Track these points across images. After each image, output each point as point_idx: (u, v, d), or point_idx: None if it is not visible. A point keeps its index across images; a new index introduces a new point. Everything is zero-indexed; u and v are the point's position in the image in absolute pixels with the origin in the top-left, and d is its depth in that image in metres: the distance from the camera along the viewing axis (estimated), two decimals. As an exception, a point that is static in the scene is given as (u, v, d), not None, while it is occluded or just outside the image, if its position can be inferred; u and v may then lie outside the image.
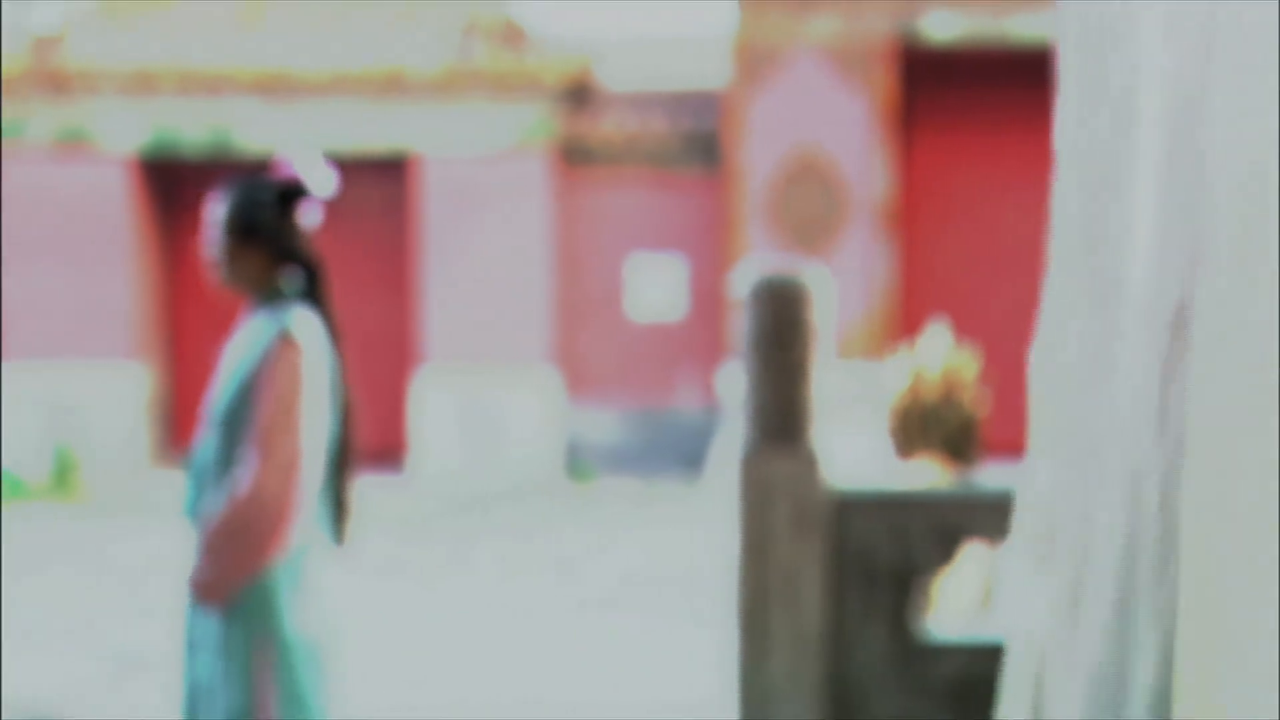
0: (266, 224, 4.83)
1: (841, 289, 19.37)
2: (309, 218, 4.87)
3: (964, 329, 17.95)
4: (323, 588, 4.81)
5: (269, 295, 4.85)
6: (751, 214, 19.44)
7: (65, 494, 19.17)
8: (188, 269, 20.74)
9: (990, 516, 5.18)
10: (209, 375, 20.71)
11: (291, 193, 4.85)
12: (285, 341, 4.71)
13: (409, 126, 19.75)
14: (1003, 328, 18.92)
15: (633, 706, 9.23)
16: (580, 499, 18.72)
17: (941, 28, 19.23)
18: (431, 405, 19.55)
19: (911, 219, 20.09)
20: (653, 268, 20.03)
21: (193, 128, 19.87)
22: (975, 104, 20.13)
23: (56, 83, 19.80)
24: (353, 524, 4.88)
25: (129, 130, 19.89)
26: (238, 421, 4.70)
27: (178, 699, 4.88)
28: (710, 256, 19.98)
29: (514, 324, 19.69)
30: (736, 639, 5.19)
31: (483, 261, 19.65)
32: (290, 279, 4.87)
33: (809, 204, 19.44)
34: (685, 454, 19.81)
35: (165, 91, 19.79)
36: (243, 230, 4.83)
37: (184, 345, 20.78)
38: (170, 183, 20.59)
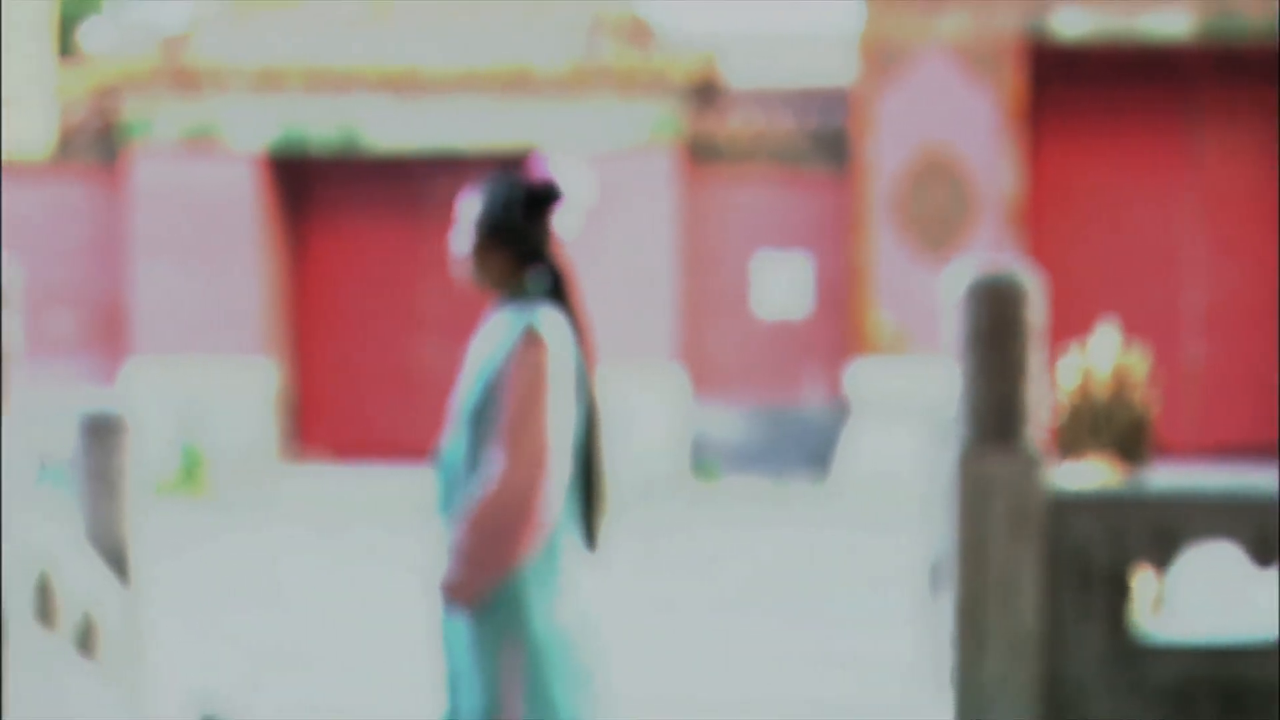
0: (516, 224, 4.80)
1: (969, 288, 19.25)
2: (561, 220, 4.84)
3: (1092, 329, 17.81)
4: (575, 588, 4.77)
5: (515, 294, 4.82)
6: (878, 212, 19.37)
7: (193, 489, 19.30)
8: (315, 265, 20.85)
9: (1209, 517, 5.12)
10: (335, 371, 20.82)
11: (544, 195, 4.81)
12: (531, 339, 4.68)
13: (535, 124, 19.78)
14: (1131, 327, 18.76)
15: (778, 704, 9.19)
16: (707, 497, 18.69)
17: (1072, 25, 19.09)
18: (557, 402, 19.55)
19: (1039, 218, 19.96)
20: (779, 265, 19.99)
21: (320, 125, 19.96)
22: (1105, 102, 19.99)
23: (185, 80, 19.93)
24: (605, 523, 4.85)
25: (257, 128, 20.00)
26: (485, 420, 4.68)
27: (441, 700, 4.87)
28: (836, 254, 19.91)
29: (640, 321, 19.68)
30: (951, 639, 5.15)
31: (609, 259, 19.65)
32: (536, 278, 4.84)
33: (936, 202, 19.35)
34: (811, 452, 19.75)
35: (293, 89, 19.89)
36: (492, 229, 4.81)
37: (311, 341, 20.87)
38: (298, 180, 20.69)
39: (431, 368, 20.61)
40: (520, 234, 4.81)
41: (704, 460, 19.84)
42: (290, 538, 15.95)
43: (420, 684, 9.61)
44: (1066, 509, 5.11)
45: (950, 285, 5.16)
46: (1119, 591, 5.15)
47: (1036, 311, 5.15)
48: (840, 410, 19.67)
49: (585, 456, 4.83)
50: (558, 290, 4.85)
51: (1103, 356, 8.54)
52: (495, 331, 4.79)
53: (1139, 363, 8.59)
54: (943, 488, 6.08)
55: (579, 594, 4.80)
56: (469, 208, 4.85)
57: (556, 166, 4.85)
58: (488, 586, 4.62)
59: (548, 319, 4.76)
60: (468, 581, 4.62)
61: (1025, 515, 5.06)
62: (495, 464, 4.62)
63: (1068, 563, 5.12)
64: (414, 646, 10.77)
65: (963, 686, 5.08)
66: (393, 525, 16.64)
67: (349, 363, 20.78)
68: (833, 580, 13.47)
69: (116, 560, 6.49)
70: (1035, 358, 5.14)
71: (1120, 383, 8.44)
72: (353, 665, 10.37)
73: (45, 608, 5.64)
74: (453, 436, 4.79)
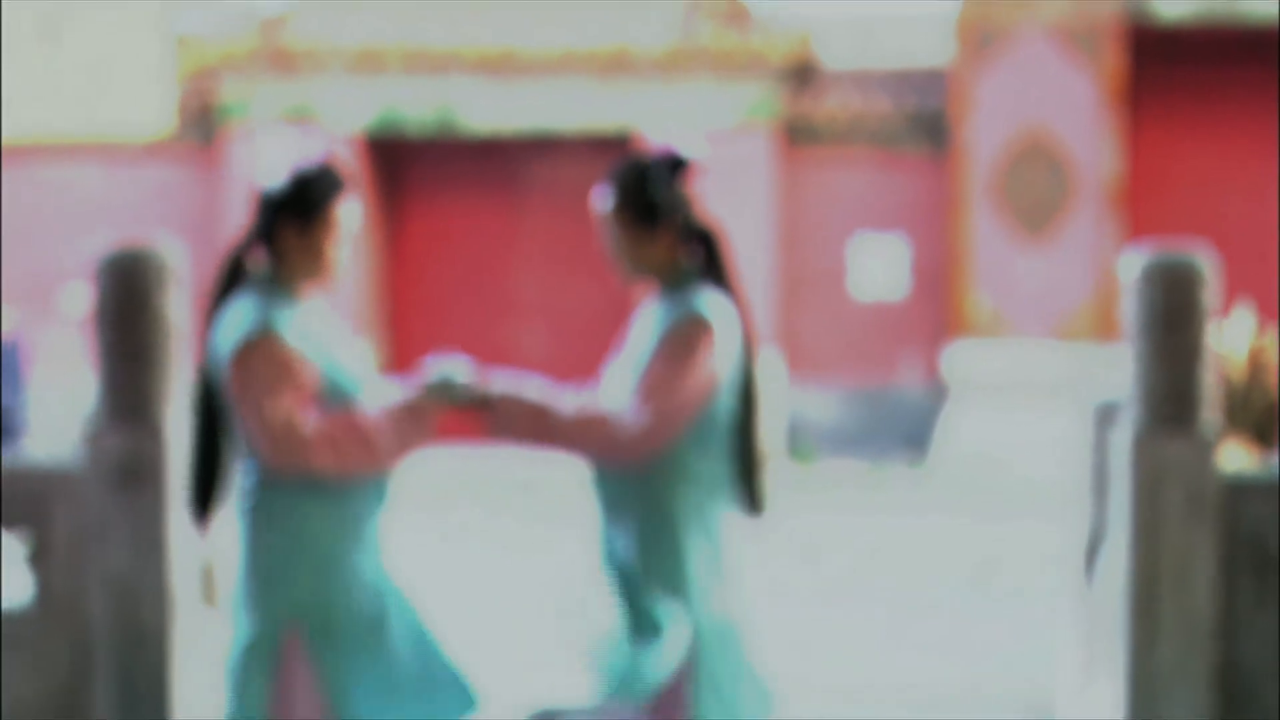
0: (667, 205, 4.74)
1: (1067, 270, 19.17)
2: (694, 188, 4.80)
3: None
4: (738, 575, 4.73)
5: (676, 278, 4.74)
6: (976, 194, 19.28)
7: (290, 469, 19.33)
8: (411, 246, 20.87)
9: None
10: (432, 352, 20.84)
11: (677, 165, 4.76)
12: (694, 320, 4.60)
13: (632, 106, 19.75)
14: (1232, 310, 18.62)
15: (891, 690, 9.17)
16: (804, 480, 18.63)
17: (1172, 5, 18.95)
18: (652, 384, 19.55)
19: (1139, 200, 19.82)
20: (875, 247, 19.92)
21: (417, 106, 19.98)
22: (1205, 84, 19.83)
23: (283, 62, 19.98)
24: (765, 506, 4.80)
25: (354, 109, 20.04)
26: None
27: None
28: (933, 236, 19.83)
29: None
30: (1122, 625, 5.10)
31: (705, 241, 19.61)
32: (691, 257, 4.78)
33: (1035, 184, 19.24)
34: (908, 435, 19.68)
35: (390, 70, 19.91)
36: (646, 216, 4.73)
37: (406, 322, 20.91)
38: (394, 161, 20.72)
39: (526, 348, 20.63)
40: (672, 213, 4.74)
41: (800, 443, 19.80)
42: (389, 517, 15.96)
43: (531, 661, 9.62)
44: (1243, 493, 5.06)
45: (1126, 268, 5.12)
46: (1295, 578, 5.10)
47: (1212, 295, 5.11)
48: (937, 393, 19.59)
49: (744, 434, 4.79)
50: (712, 265, 4.79)
51: (1238, 340, 8.47)
52: (654, 321, 4.71)
53: (1274, 346, 8.51)
54: (1103, 471, 6.03)
55: (741, 581, 4.75)
56: (607, 200, 4.77)
57: (670, 139, 4.80)
58: (520, 439, 4.58)
59: (710, 302, 4.68)
60: (518, 433, 4.56)
61: (1200, 500, 5.02)
62: (628, 411, 4.56)
63: (1243, 548, 5.07)
64: (521, 623, 10.78)
65: (1135, 673, 5.04)
66: (489, 505, 16.67)
67: (444, 343, 20.80)
68: (934, 565, 13.41)
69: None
70: (1210, 341, 5.10)
71: (1255, 366, 8.37)
72: (463, 643, 10.36)
73: (209, 592, 5.68)
74: None
